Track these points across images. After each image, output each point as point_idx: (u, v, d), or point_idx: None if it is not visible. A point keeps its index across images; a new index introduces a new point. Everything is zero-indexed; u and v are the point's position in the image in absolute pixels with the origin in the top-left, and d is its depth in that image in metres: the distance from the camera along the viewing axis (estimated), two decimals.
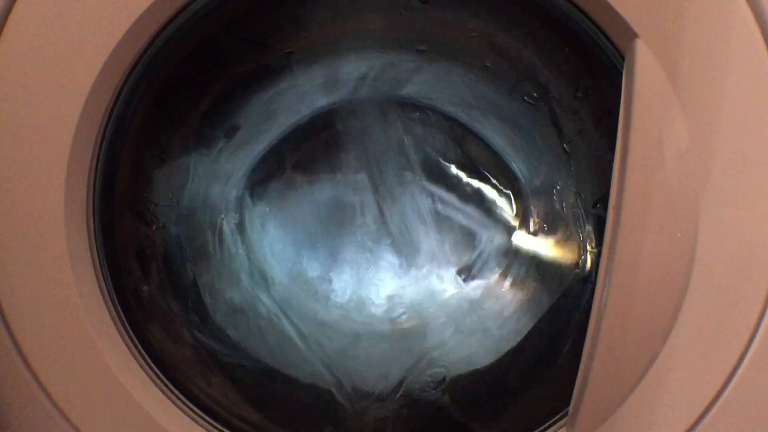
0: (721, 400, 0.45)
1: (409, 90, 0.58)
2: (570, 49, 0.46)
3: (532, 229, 0.61)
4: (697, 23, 0.40)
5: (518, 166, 0.59)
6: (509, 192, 0.61)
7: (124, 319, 0.49)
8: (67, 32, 0.41)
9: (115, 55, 0.41)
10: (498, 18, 0.47)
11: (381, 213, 0.63)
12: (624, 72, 0.41)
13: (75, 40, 0.41)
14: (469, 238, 0.63)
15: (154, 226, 0.52)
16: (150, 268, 0.52)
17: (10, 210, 0.43)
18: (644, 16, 0.40)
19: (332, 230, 0.63)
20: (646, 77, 0.40)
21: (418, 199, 0.63)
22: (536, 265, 0.60)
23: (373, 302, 0.63)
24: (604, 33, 0.43)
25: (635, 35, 0.40)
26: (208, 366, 0.53)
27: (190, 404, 0.51)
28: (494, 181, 0.61)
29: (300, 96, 0.56)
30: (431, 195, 0.62)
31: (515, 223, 0.62)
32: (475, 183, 0.62)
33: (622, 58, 0.42)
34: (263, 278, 0.61)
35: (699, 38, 0.40)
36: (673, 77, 0.40)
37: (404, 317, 0.62)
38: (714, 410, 0.45)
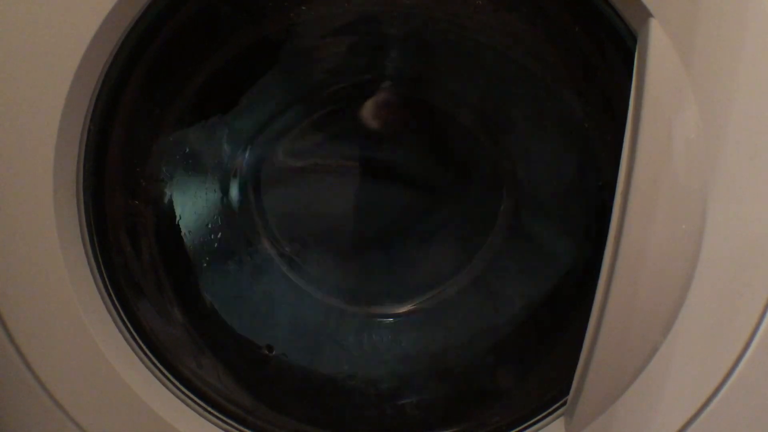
0: (722, 393, 0.45)
1: (414, 67, 0.57)
2: (581, 29, 0.44)
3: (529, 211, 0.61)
4: (714, 4, 0.39)
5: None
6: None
7: (113, 296, 0.48)
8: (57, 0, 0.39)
9: (106, 24, 0.40)
10: None
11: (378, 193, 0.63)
12: (636, 53, 0.40)
13: (66, 8, 0.39)
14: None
15: (146, 202, 0.51)
16: (141, 245, 0.51)
17: None
18: None
19: (332, 213, 0.63)
20: (660, 59, 0.39)
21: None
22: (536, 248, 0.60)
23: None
24: (616, 12, 0.41)
25: (649, 14, 0.39)
26: (198, 346, 0.53)
27: (180, 386, 0.50)
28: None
29: (299, 70, 0.55)
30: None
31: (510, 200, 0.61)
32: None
33: (635, 39, 0.41)
34: (259, 255, 0.61)
35: (715, 20, 0.39)
36: (687, 60, 0.39)
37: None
38: (714, 403, 0.45)
